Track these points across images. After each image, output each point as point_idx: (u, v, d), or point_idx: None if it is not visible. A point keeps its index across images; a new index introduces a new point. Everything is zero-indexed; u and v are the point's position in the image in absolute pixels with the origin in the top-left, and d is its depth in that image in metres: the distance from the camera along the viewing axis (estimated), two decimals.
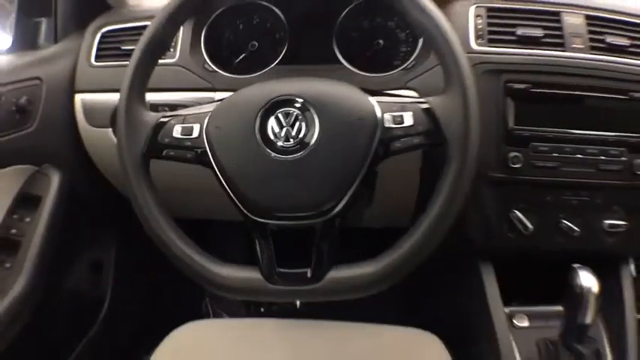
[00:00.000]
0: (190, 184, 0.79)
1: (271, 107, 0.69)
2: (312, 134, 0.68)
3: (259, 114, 0.69)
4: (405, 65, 0.95)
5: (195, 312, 1.44)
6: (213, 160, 0.70)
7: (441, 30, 0.68)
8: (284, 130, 0.68)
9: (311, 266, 0.69)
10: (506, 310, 1.00)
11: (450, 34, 0.68)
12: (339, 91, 0.71)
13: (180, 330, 0.93)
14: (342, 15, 0.98)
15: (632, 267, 1.03)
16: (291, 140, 0.68)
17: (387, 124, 0.68)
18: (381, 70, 0.94)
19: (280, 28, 1.00)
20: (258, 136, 0.68)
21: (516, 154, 0.89)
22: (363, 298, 0.72)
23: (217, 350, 0.91)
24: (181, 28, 0.94)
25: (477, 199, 0.93)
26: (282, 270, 0.70)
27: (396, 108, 0.69)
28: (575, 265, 0.85)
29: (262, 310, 1.56)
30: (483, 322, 0.97)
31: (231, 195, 0.69)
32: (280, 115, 0.69)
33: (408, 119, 0.68)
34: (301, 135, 0.68)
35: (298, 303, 1.52)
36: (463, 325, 1.03)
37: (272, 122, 0.69)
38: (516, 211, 0.94)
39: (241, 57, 1.01)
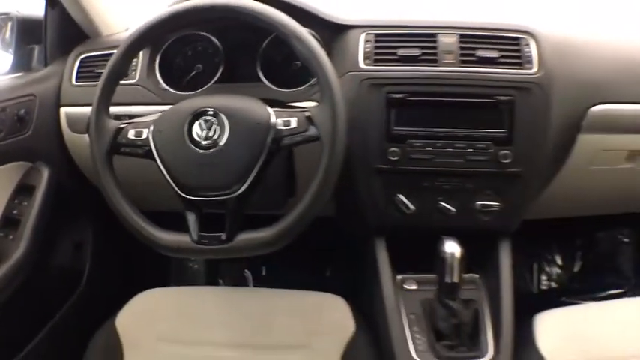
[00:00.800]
0: (146, 180, 0.99)
1: (195, 116, 0.90)
2: (224, 135, 0.89)
3: (187, 121, 0.90)
4: (310, 82, 1.17)
5: (162, 282, 1.59)
6: (156, 154, 0.91)
7: (316, 58, 0.89)
8: (204, 132, 0.89)
9: (225, 231, 0.89)
10: (399, 277, 1.19)
11: (323, 61, 0.90)
12: (245, 104, 0.93)
13: (140, 296, 1.16)
14: (265, 44, 1.19)
15: (509, 241, 1.23)
16: (209, 140, 0.89)
17: (279, 127, 0.89)
18: (294, 87, 1.16)
19: (218, 54, 1.21)
20: (186, 137, 0.90)
21: (395, 149, 1.10)
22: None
23: (166, 312, 1.14)
24: (140, 55, 1.19)
25: (368, 186, 1.16)
26: (203, 234, 0.90)
27: (286, 115, 0.91)
28: (444, 236, 1.06)
29: (220, 281, 1.78)
30: (377, 286, 1.16)
31: (169, 180, 0.91)
32: (202, 121, 0.90)
33: (294, 123, 0.90)
34: (216, 136, 0.89)
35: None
36: (364, 290, 1.24)
37: (196, 127, 0.90)
38: (400, 195, 1.14)
39: (189, 77, 1.24)
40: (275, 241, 0.90)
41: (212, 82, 1.17)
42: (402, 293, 1.17)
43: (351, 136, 1.06)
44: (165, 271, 1.79)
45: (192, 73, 1.23)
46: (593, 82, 1.17)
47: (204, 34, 1.23)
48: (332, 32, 1.17)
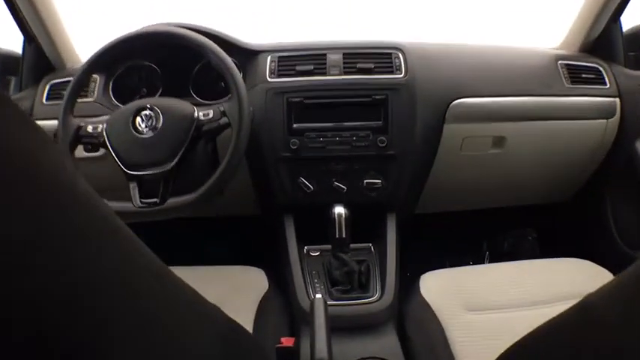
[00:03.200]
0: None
1: (138, 110, 1.14)
2: (159, 124, 1.12)
3: (132, 115, 1.13)
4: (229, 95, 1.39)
5: None
6: (108, 143, 1.13)
7: (226, 65, 1.14)
8: (144, 122, 1.13)
9: (158, 197, 1.11)
10: (306, 247, 1.39)
11: (231, 66, 1.14)
12: (175, 102, 1.17)
13: None
14: (196, 69, 1.44)
15: (394, 215, 1.42)
16: (149, 127, 1.12)
17: (200, 118, 1.14)
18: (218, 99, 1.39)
19: (158, 79, 1.45)
20: (131, 127, 1.12)
21: (295, 140, 1.34)
22: None
23: None
24: (97, 80, 1.43)
25: (276, 171, 1.38)
26: (142, 200, 1.12)
27: (205, 108, 1.15)
28: (335, 203, 1.26)
29: None
30: (285, 254, 1.34)
31: (117, 161, 1.11)
32: (143, 115, 1.13)
33: (211, 114, 1.14)
34: (153, 125, 1.12)
35: None
36: (278, 260, 1.43)
37: (139, 119, 1.13)
38: (301, 178, 1.36)
39: (136, 98, 1.44)
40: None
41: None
42: (306, 258, 1.36)
43: (261, 132, 1.33)
44: None
45: (139, 95, 1.44)
46: (453, 82, 1.44)
47: (148, 63, 1.45)
48: (246, 56, 1.41)
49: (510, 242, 1.99)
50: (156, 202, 1.11)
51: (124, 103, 1.39)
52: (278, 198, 1.42)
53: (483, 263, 1.91)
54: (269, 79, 1.37)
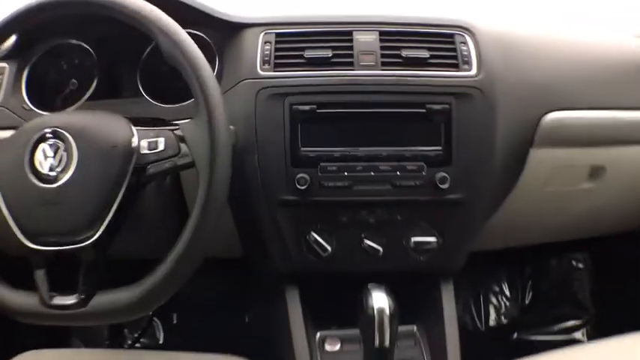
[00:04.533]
0: None
1: (38, 140, 0.69)
2: (72, 164, 0.68)
3: (29, 147, 0.69)
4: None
5: (63, 337, 1.39)
6: None
7: (186, 54, 0.69)
8: (48, 160, 0.68)
9: (78, 292, 0.69)
10: (319, 334, 0.94)
11: (195, 57, 0.69)
12: (100, 123, 0.72)
13: (20, 358, 0.88)
14: (146, 53, 0.95)
15: (451, 284, 0.98)
16: (54, 170, 0.68)
17: (143, 151, 0.69)
18: (179, 102, 0.90)
19: (93, 65, 0.97)
20: (27, 166, 0.69)
21: (304, 175, 0.84)
22: None
23: None
24: (6, 72, 0.94)
25: (273, 223, 0.88)
26: (53, 294, 0.69)
27: (153, 134, 0.70)
28: (370, 285, 0.79)
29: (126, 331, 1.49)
30: (289, 348, 0.90)
31: (11, 224, 0.69)
32: (46, 147, 0.69)
33: (162, 144, 0.69)
34: (62, 165, 0.68)
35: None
36: (274, 349, 0.97)
37: (39, 153, 0.69)
38: (313, 233, 0.88)
39: (64, 94, 0.97)
40: (140, 306, 0.70)
41: (84, 99, 0.95)
42: (321, 356, 0.92)
43: (247, 163, 0.85)
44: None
45: (67, 90, 0.98)
46: (546, 85, 0.93)
47: (80, 43, 0.98)
48: (225, 33, 0.92)
49: (557, 271, 1.62)
50: (74, 302, 0.69)
51: (44, 105, 0.94)
52: (276, 262, 0.92)
53: (525, 295, 1.58)
54: (260, 72, 0.87)
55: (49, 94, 0.97)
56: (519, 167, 0.94)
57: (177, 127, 0.71)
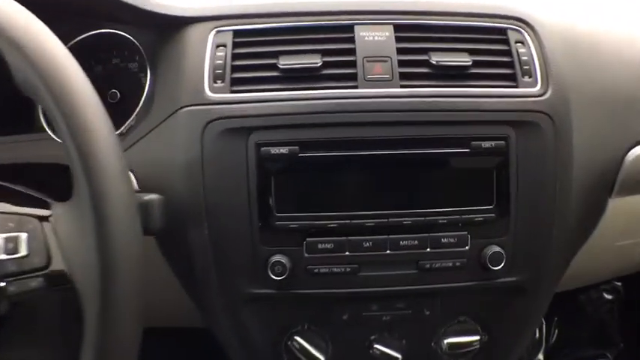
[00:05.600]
0: None
1: None
2: None
3: None
4: (129, 123, 0.60)
5: None
6: None
7: (53, 87, 0.39)
8: None
9: None
10: None
11: (68, 91, 0.39)
12: None
13: None
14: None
15: None
16: None
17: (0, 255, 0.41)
18: None
19: None
20: None
21: (280, 258, 0.54)
22: None
23: None
24: None
25: (236, 325, 0.58)
26: None
27: (13, 224, 0.42)
28: None
29: None
30: None
31: None
32: None
33: (23, 246, 0.41)
34: None
35: None
36: None
37: None
38: (298, 338, 0.59)
39: None
40: None
41: None
42: None
43: (194, 235, 0.56)
44: None
45: None
46: (632, 103, 0.63)
47: None
48: (158, 33, 0.62)
49: (584, 304, 1.38)
50: None
51: None
52: None
53: (551, 334, 1.35)
54: (210, 94, 0.56)
55: None
56: (593, 224, 0.65)
57: (45, 214, 0.43)
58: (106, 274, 0.38)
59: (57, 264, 0.42)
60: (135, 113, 0.60)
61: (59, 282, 0.42)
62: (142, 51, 0.63)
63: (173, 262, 0.59)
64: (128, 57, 0.64)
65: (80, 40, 0.62)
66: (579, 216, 0.61)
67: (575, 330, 1.36)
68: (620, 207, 0.65)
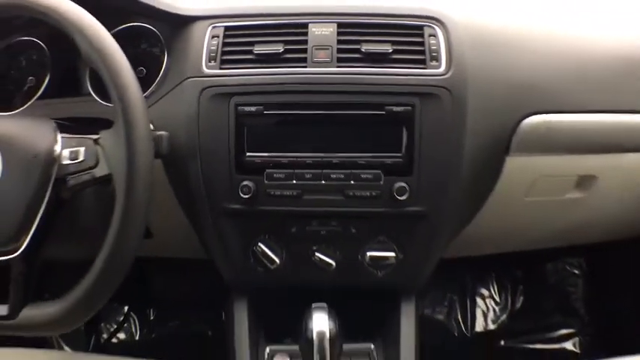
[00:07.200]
0: None
1: None
2: None
3: None
4: (145, 95, 0.83)
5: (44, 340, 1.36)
6: None
7: (103, 55, 0.63)
8: None
9: (8, 302, 0.65)
10: (268, 348, 0.86)
11: (113, 59, 0.63)
12: (26, 130, 0.67)
13: None
14: None
15: (413, 302, 0.88)
16: None
17: (65, 161, 0.64)
18: None
19: (47, 61, 0.90)
20: None
21: (249, 183, 0.75)
22: None
23: None
24: None
25: (217, 232, 0.80)
26: None
27: (75, 143, 0.65)
28: (313, 305, 0.72)
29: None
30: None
31: None
32: None
33: (82, 155, 0.64)
34: None
35: None
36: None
37: None
38: (260, 245, 0.80)
39: (22, 92, 0.90)
40: (66, 321, 0.66)
41: (34, 98, 0.88)
42: None
43: (190, 168, 0.78)
44: None
45: (26, 87, 0.92)
46: (527, 85, 0.81)
47: (33, 39, 0.91)
48: (173, 27, 0.84)
49: (550, 275, 1.52)
50: (4, 315, 0.66)
51: (6, 103, 0.88)
52: (222, 272, 0.85)
53: (516, 300, 1.48)
54: (206, 70, 0.78)
55: (8, 92, 0.91)
56: (493, 177, 0.82)
57: (96, 136, 0.65)
58: (131, 171, 0.60)
59: (102, 165, 0.63)
60: (155, 83, 0.81)
61: (102, 177, 0.64)
62: (162, 39, 0.83)
63: (176, 187, 0.81)
64: (152, 44, 0.85)
65: (119, 30, 0.84)
66: (477, 167, 0.78)
67: (541, 299, 1.48)
68: (519, 164, 0.82)
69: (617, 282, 1.43)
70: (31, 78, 0.91)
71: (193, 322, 1.41)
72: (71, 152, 0.64)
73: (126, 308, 1.45)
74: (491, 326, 1.44)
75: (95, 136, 0.66)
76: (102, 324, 1.45)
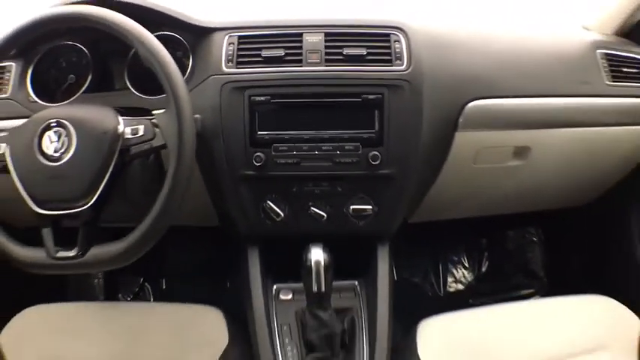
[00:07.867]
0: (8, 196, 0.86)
1: (45, 128, 0.82)
2: (72, 146, 0.81)
3: (37, 133, 0.82)
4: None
5: (60, 297, 1.45)
6: (12, 168, 0.82)
7: (159, 60, 0.83)
8: (54, 144, 0.81)
9: (77, 246, 0.81)
10: (275, 286, 1.08)
11: (166, 62, 0.83)
12: (94, 114, 0.84)
13: (22, 314, 1.04)
14: (132, 52, 1.04)
15: (387, 246, 1.09)
16: (58, 151, 0.81)
17: (127, 136, 0.82)
18: (159, 94, 0.99)
19: (88, 62, 1.07)
20: (36, 149, 0.81)
21: (260, 154, 0.97)
22: None
23: (47, 330, 1.02)
24: (13, 70, 1.06)
25: (235, 193, 1.01)
26: (58, 248, 0.82)
27: (135, 122, 0.83)
28: (310, 244, 0.93)
29: (120, 295, 1.64)
30: (249, 297, 1.04)
31: (23, 194, 0.82)
32: (52, 133, 0.82)
33: (141, 131, 0.82)
34: (65, 147, 0.81)
35: None
36: (240, 300, 1.10)
37: (46, 139, 0.81)
38: (269, 202, 1.01)
39: (63, 88, 1.09)
40: (125, 255, 0.82)
41: (80, 92, 1.04)
42: (275, 304, 1.06)
43: (215, 144, 0.98)
44: (63, 285, 1.61)
45: (66, 84, 1.10)
46: (470, 77, 1.04)
47: (76, 44, 1.09)
48: (196, 36, 1.03)
49: (512, 243, 1.73)
50: (75, 254, 0.82)
51: (47, 98, 1.04)
52: (239, 226, 1.06)
53: (482, 264, 1.69)
54: (225, 69, 0.99)
55: (50, 88, 1.07)
56: (446, 148, 1.05)
57: (153, 117, 0.84)
58: (182, 141, 0.79)
59: (158, 138, 0.81)
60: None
61: (159, 147, 0.82)
62: (187, 46, 1.02)
63: (201, 160, 1.00)
64: (179, 49, 1.03)
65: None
66: (432, 140, 1.01)
67: (504, 263, 1.66)
68: (466, 138, 1.04)
69: (569, 247, 1.64)
70: (71, 76, 1.08)
71: (201, 289, 1.59)
72: (132, 129, 0.83)
73: (141, 280, 1.64)
74: (461, 287, 1.65)
75: (151, 117, 0.84)
76: (120, 294, 1.64)
